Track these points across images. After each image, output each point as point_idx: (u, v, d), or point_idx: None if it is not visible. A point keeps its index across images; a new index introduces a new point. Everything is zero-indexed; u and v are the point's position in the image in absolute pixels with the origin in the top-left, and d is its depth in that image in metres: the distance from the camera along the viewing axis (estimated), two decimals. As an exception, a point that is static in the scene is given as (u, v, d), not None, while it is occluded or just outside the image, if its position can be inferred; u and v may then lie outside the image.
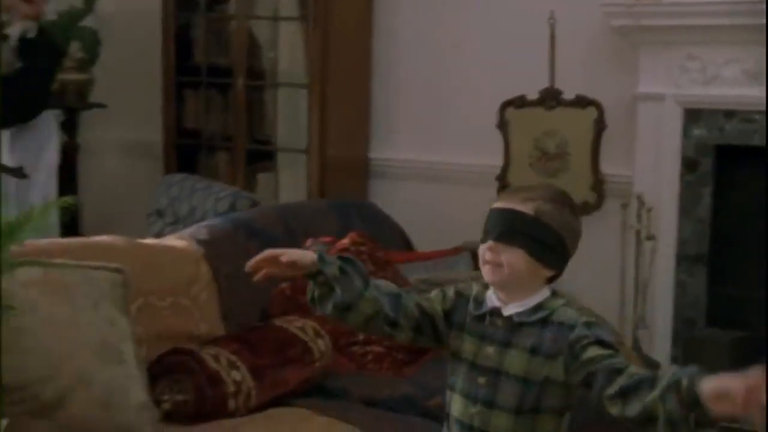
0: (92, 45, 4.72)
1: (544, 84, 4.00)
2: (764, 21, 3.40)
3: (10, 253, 1.95)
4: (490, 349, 1.85)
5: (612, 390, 1.67)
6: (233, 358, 2.52)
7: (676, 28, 3.68)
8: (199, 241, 2.86)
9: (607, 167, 3.98)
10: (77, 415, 2.13)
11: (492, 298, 1.89)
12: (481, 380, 1.85)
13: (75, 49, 4.67)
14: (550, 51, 3.96)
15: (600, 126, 3.97)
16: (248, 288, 2.85)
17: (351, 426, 2.44)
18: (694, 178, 3.75)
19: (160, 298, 2.61)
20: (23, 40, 3.84)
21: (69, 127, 4.70)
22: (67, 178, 4.58)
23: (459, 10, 4.28)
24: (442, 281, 3.23)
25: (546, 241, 1.83)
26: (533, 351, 1.82)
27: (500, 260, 1.83)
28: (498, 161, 4.11)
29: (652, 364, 3.37)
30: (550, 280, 1.89)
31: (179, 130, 4.57)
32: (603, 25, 3.90)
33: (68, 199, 1.82)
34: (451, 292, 1.94)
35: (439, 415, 2.57)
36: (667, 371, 1.64)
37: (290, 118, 4.47)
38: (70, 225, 4.06)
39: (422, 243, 3.77)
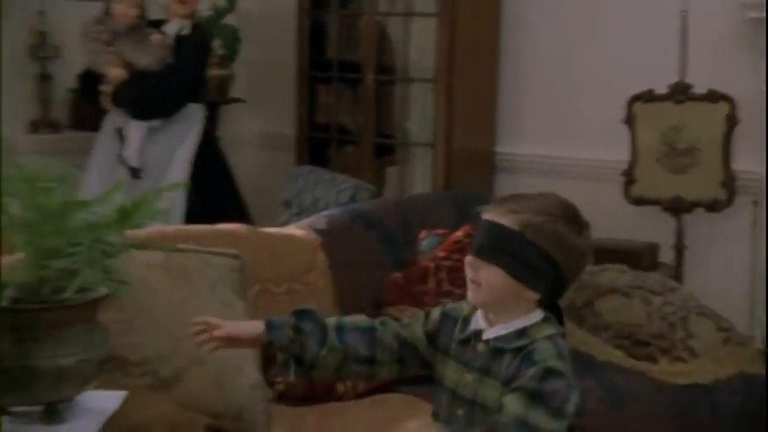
0: (233, 42, 4.92)
1: (674, 78, 3.92)
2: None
3: (128, 236, 2.10)
4: (469, 377, 1.69)
5: None
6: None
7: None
8: (318, 231, 2.97)
9: (738, 163, 3.87)
10: (193, 392, 2.27)
11: (478, 320, 1.72)
12: (460, 412, 1.69)
13: (217, 46, 4.89)
14: (681, 44, 3.88)
15: (732, 121, 3.87)
16: (363, 277, 2.97)
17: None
18: (829, 175, 3.61)
19: (277, 284, 2.73)
20: (178, 38, 4.07)
21: (210, 120, 4.92)
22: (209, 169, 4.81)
23: (590, 2, 4.26)
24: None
25: (529, 260, 1.64)
26: (507, 383, 1.63)
27: (479, 278, 1.67)
28: (625, 156, 4.06)
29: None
30: (548, 303, 1.69)
31: (311, 124, 4.71)
32: (738, 17, 3.81)
33: (178, 186, 1.94)
34: (436, 313, 1.79)
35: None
36: None
37: (418, 112, 4.55)
38: (214, 213, 4.24)
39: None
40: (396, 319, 2.72)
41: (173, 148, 4.03)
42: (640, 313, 3.08)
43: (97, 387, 1.94)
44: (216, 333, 1.77)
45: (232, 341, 1.78)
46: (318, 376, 1.77)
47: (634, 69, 4.06)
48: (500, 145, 4.53)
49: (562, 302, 3.12)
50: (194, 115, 4.15)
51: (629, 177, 4.05)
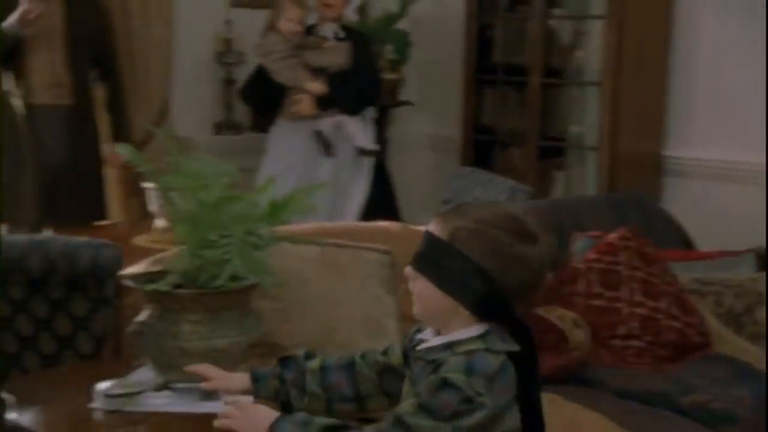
0: (403, 46, 5.07)
1: None
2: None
3: (287, 231, 2.26)
4: (405, 388, 1.64)
5: None
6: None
7: None
8: (469, 230, 3.04)
9: None
10: (340, 379, 2.40)
11: (426, 332, 1.65)
12: None
13: (388, 51, 5.06)
14: None
15: None
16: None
17: (597, 414, 2.51)
18: None
19: (428, 280, 2.82)
20: (338, 40, 4.25)
21: (380, 122, 5.09)
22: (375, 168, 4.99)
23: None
24: (715, 281, 3.19)
25: (457, 272, 1.54)
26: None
27: (414, 290, 1.61)
28: (799, 161, 3.92)
29: None
30: (499, 317, 1.56)
31: (476, 126, 4.80)
32: None
33: (323, 185, 2.07)
34: (412, 329, 1.72)
35: (694, 412, 2.59)
36: None
37: (584, 114, 4.54)
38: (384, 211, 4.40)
39: (710, 244, 3.70)
40: (541, 319, 2.81)
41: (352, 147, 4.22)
42: (804, 322, 2.99)
43: (249, 369, 2.11)
44: (204, 385, 1.81)
45: (224, 391, 1.81)
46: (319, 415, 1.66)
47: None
48: (669, 148, 4.45)
49: (721, 308, 3.12)
50: (369, 113, 4.32)
51: (803, 183, 3.91)
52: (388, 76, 5.03)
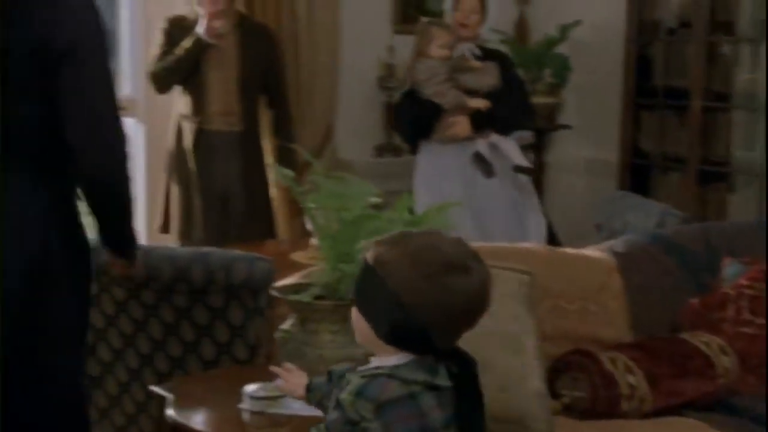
0: (562, 70, 5.10)
1: None
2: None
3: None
4: None
5: None
6: (630, 363, 2.69)
7: None
8: (615, 253, 3.05)
9: None
10: (477, 394, 2.47)
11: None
12: None
13: (546, 75, 5.10)
14: None
15: None
16: (660, 301, 3.01)
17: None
18: None
19: (569, 301, 2.86)
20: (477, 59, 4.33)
21: (538, 146, 5.14)
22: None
23: None
24: None
25: (374, 300, 1.55)
26: None
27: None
28: None
29: None
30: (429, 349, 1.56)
31: (634, 150, 4.76)
32: None
33: (459, 203, 2.16)
34: None
35: None
36: None
37: (747, 139, 4.44)
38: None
39: None
40: (686, 344, 2.78)
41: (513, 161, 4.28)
42: None
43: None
44: (274, 385, 2.00)
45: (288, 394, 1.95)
46: None
47: None
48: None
49: None
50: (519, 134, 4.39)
51: None
52: (546, 100, 5.08)
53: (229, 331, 2.67)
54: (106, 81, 2.17)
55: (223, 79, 4.01)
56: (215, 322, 2.67)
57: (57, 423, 2.27)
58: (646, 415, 2.66)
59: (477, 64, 4.23)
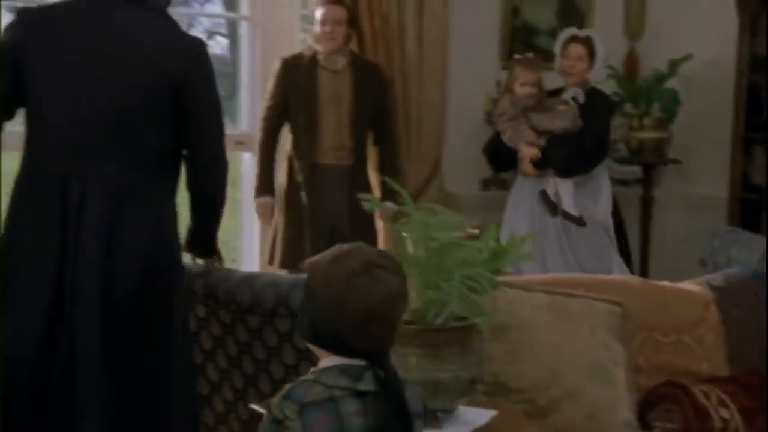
0: (671, 105, 5.08)
1: None
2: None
3: (523, 281, 2.43)
4: None
5: None
6: (724, 397, 2.69)
7: None
8: (713, 287, 3.05)
9: None
10: (565, 422, 2.52)
11: None
12: None
13: (655, 110, 5.09)
14: None
15: None
16: (757, 335, 2.99)
17: None
18: None
19: (664, 334, 2.87)
20: (579, 104, 4.41)
21: (645, 181, 5.12)
22: (642, 225, 5.05)
23: None
24: None
25: (305, 301, 1.74)
26: None
27: None
28: None
29: None
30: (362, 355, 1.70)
31: (745, 185, 4.70)
32: None
33: (538, 234, 2.23)
34: None
35: None
36: None
37: None
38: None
39: None
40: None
41: (586, 205, 4.37)
42: None
43: (476, 405, 2.29)
44: None
45: None
46: None
47: None
48: None
49: None
50: (604, 175, 4.44)
51: None
52: (654, 134, 5.06)
53: (296, 354, 2.78)
54: (217, 113, 2.56)
55: (336, 116, 4.18)
56: (283, 345, 2.79)
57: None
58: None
59: (559, 106, 4.35)
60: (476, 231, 2.35)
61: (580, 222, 4.36)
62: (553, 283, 2.81)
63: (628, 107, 5.11)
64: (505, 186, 5.14)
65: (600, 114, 4.41)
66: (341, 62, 4.21)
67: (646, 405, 2.71)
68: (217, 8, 4.55)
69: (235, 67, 4.92)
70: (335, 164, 4.19)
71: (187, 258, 2.79)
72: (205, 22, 10.76)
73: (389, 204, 3.82)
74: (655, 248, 5.03)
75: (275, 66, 4.27)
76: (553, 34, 5.22)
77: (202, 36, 6.40)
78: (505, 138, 4.42)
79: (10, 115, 2.54)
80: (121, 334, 2.38)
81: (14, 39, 2.46)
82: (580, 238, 4.33)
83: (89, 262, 2.35)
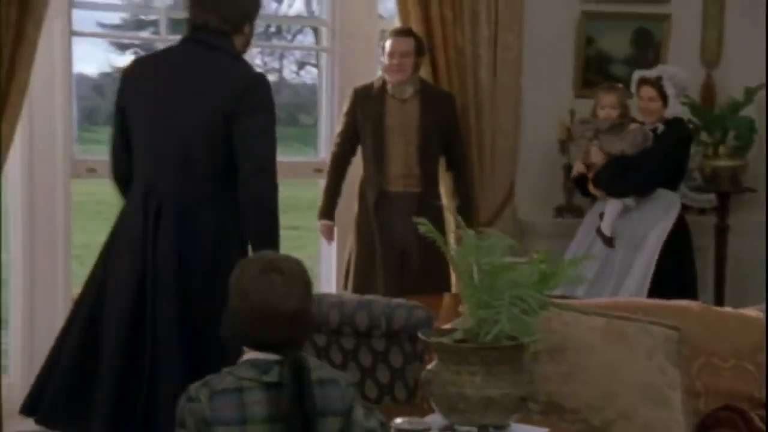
0: (747, 133, 5.06)
1: None
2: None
3: (581, 304, 2.50)
4: None
5: None
6: (784, 422, 2.70)
7: None
8: (776, 314, 3.06)
9: None
10: (620, 443, 2.57)
11: None
12: None
13: (730, 138, 5.08)
14: None
15: None
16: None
17: None
18: None
19: (723, 359, 2.89)
20: (656, 135, 4.49)
21: (720, 209, 5.11)
22: (717, 253, 5.04)
23: None
24: None
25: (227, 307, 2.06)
26: None
27: None
28: None
29: None
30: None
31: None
32: None
33: (589, 257, 2.30)
34: None
35: None
36: None
37: None
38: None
39: None
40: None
41: (646, 227, 4.42)
42: None
43: (530, 423, 2.37)
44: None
45: None
46: None
47: None
48: None
49: None
50: (670, 201, 4.46)
51: None
52: (730, 162, 5.05)
53: (390, 374, 2.90)
54: (267, 136, 2.93)
55: (404, 144, 4.31)
56: (378, 365, 2.91)
57: None
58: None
59: (628, 129, 4.44)
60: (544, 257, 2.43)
61: (609, 243, 4.45)
62: (611, 307, 2.86)
63: (703, 135, 5.11)
64: (580, 213, 5.18)
65: (669, 142, 4.46)
66: (409, 91, 4.34)
67: (704, 429, 2.74)
68: (309, 38, 4.82)
69: (316, 97, 5.10)
70: (403, 191, 4.31)
71: None
72: (297, 53, 11.09)
73: (455, 230, 3.93)
74: (730, 276, 5.00)
75: (348, 95, 4.43)
76: (627, 62, 5.28)
77: (293, 66, 6.58)
78: (574, 153, 4.59)
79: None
80: (191, 308, 2.89)
81: (119, 91, 3.11)
82: (623, 259, 4.41)
83: (165, 254, 2.90)
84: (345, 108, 4.43)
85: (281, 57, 10.40)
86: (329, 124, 4.94)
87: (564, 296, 3.30)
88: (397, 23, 4.76)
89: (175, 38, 4.76)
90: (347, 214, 4.65)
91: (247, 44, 3.12)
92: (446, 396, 2.26)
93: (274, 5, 11.65)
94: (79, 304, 3.08)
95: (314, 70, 9.76)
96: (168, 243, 2.90)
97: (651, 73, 4.61)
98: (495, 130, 4.97)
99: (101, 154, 3.59)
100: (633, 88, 4.62)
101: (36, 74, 3.95)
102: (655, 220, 4.44)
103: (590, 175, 4.58)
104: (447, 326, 2.63)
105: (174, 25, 5.13)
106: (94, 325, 2.96)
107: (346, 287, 4.43)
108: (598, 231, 4.49)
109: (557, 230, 5.06)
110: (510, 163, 5.04)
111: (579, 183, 4.74)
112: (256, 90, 2.95)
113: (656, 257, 4.35)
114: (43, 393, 3.00)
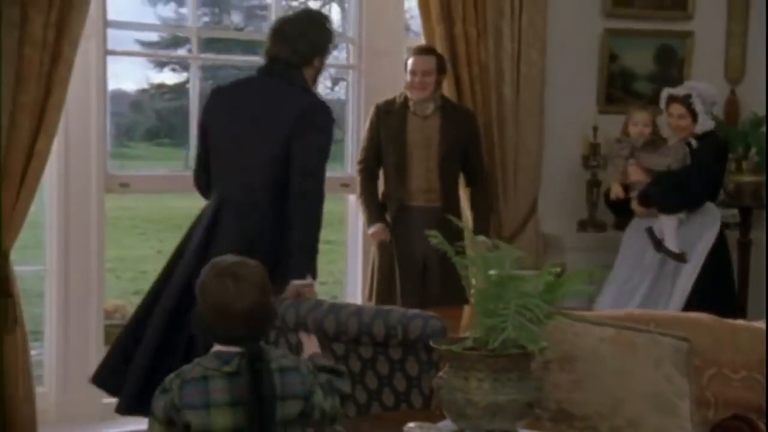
0: (768, 149, 5.10)
1: None
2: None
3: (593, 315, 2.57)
4: None
5: None
6: (792, 431, 2.75)
7: None
8: (786, 326, 3.11)
9: None
10: (626, 450, 2.63)
11: None
12: None
13: (752, 154, 5.12)
14: None
15: None
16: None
17: None
18: None
19: (733, 370, 2.94)
20: (691, 150, 4.54)
21: (743, 224, 5.14)
22: (740, 268, 5.07)
23: None
24: None
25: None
26: None
27: None
28: None
29: None
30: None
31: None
32: None
33: (593, 271, 2.38)
34: None
35: None
36: None
37: None
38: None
39: None
40: None
41: (691, 241, 4.45)
42: None
43: (540, 430, 2.45)
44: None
45: None
46: None
47: None
48: None
49: None
50: (712, 214, 4.51)
51: None
52: (752, 178, 5.10)
53: (407, 382, 2.98)
54: (317, 148, 3.44)
55: (425, 159, 4.41)
56: (395, 373, 3.00)
57: None
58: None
59: (666, 145, 4.49)
60: (557, 270, 2.51)
61: (681, 259, 4.49)
62: (624, 318, 2.93)
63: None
64: (602, 228, 5.25)
65: (708, 155, 4.53)
66: (431, 108, 4.44)
67: (712, 437, 2.80)
68: (344, 54, 5.01)
69: (343, 113, 5.21)
70: (424, 206, 4.40)
71: None
72: (332, 69, 11.24)
73: (482, 238, 4.01)
74: (753, 291, 5.04)
75: (371, 111, 4.54)
76: (651, 78, 5.35)
77: (327, 82, 6.77)
78: (609, 175, 4.64)
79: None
80: None
81: (204, 112, 3.73)
82: (673, 273, 4.45)
83: (222, 245, 3.33)
84: (367, 124, 4.54)
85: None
86: (356, 140, 5.04)
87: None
88: (422, 40, 4.86)
89: (207, 56, 4.95)
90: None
91: (317, 74, 3.62)
92: (455, 402, 2.34)
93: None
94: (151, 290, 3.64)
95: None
96: (228, 241, 3.33)
97: (679, 90, 4.66)
98: (518, 146, 5.05)
99: (136, 169, 3.89)
100: (662, 105, 4.68)
101: (72, 91, 4.09)
102: (701, 231, 4.51)
103: (632, 194, 4.62)
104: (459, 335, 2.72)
105: (207, 43, 5.30)
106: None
107: (370, 299, 4.53)
108: (664, 249, 4.51)
109: (580, 244, 5.12)
110: (533, 179, 5.11)
111: (614, 205, 4.81)
112: (313, 115, 3.43)
113: (699, 269, 4.42)
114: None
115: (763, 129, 5.09)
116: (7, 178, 3.87)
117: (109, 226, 4.61)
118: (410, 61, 4.46)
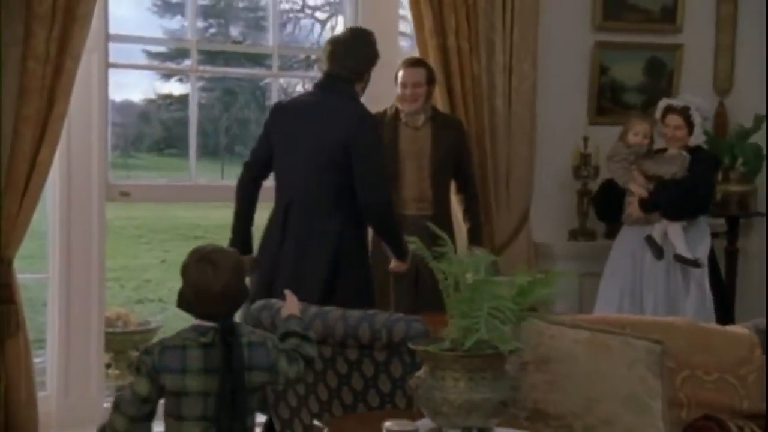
0: (755, 160, 5.21)
1: None
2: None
3: (569, 320, 2.69)
4: None
5: None
6: (758, 431, 2.85)
7: None
8: (759, 330, 3.21)
9: None
10: (599, 448, 2.74)
11: None
12: None
13: (738, 165, 5.23)
14: None
15: None
16: (801, 377, 3.12)
17: None
18: None
19: (707, 372, 3.06)
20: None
21: (730, 233, 5.25)
22: (728, 276, 5.18)
23: None
24: None
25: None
26: None
27: None
28: None
29: None
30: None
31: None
32: None
33: (563, 274, 2.49)
34: None
35: None
36: None
37: None
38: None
39: None
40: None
41: (692, 247, 4.60)
42: None
43: (517, 428, 2.56)
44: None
45: None
46: None
47: None
48: None
49: None
50: (703, 224, 4.63)
51: None
52: (738, 187, 5.20)
53: (391, 383, 3.09)
54: (374, 160, 3.95)
55: (417, 169, 4.52)
56: (380, 375, 3.11)
57: None
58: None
59: (667, 153, 4.61)
60: (541, 276, 2.63)
61: (696, 264, 4.59)
62: (599, 322, 3.04)
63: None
64: (593, 237, 5.36)
65: (705, 165, 4.64)
66: (422, 119, 4.55)
67: (688, 437, 2.90)
68: None
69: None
70: (416, 215, 4.51)
71: None
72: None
73: (475, 249, 4.12)
74: (740, 300, 5.14)
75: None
76: (641, 90, 5.47)
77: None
78: (617, 177, 4.74)
79: (266, 174, 4.16)
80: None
81: (267, 123, 4.17)
82: (683, 282, 4.56)
83: (290, 248, 3.96)
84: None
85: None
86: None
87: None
88: (414, 52, 4.98)
89: (205, 69, 5.06)
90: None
91: (365, 86, 4.11)
92: (432, 400, 2.46)
93: (314, 36, 11.97)
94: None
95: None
96: (293, 242, 3.93)
97: (678, 102, 4.77)
98: (510, 157, 5.14)
99: (140, 179, 3.97)
100: (658, 116, 4.79)
101: (74, 103, 4.22)
102: (699, 239, 4.62)
103: (629, 198, 4.74)
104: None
105: (211, 54, 5.42)
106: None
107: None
108: (679, 257, 4.60)
109: (571, 252, 5.23)
110: (525, 189, 5.20)
111: (601, 205, 4.92)
112: (364, 125, 3.94)
113: (707, 275, 4.55)
114: None
115: (750, 141, 5.20)
116: (10, 187, 3.99)
117: (114, 235, 4.75)
118: (400, 74, 4.57)
